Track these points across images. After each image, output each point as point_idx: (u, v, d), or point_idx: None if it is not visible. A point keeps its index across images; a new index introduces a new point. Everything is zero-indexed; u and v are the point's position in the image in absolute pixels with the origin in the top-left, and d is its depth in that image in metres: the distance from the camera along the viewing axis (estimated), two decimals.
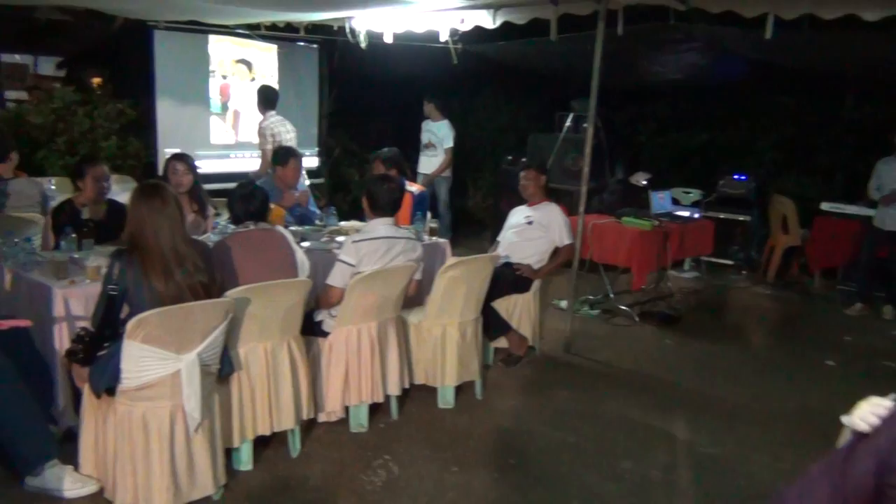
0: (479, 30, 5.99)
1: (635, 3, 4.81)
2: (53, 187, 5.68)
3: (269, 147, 6.24)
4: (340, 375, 3.76)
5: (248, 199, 3.53)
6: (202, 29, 7.36)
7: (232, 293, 3.19)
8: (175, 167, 4.70)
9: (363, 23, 6.42)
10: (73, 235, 3.88)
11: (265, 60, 8.06)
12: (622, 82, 8.61)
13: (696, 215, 7.22)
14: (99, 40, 10.68)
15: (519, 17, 5.58)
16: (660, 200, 6.72)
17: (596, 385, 4.76)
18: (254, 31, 7.62)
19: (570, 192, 7.68)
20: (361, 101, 9.72)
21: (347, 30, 6.45)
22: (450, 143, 7.87)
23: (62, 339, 3.31)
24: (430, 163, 8.01)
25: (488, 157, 10.63)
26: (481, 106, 10.67)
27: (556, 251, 5.10)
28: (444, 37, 6.02)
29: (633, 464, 3.69)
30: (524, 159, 8.54)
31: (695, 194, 7.96)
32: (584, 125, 7.87)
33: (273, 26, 7.39)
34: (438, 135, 7.88)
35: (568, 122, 7.96)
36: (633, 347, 5.58)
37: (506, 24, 5.74)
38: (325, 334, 3.80)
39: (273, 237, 3.58)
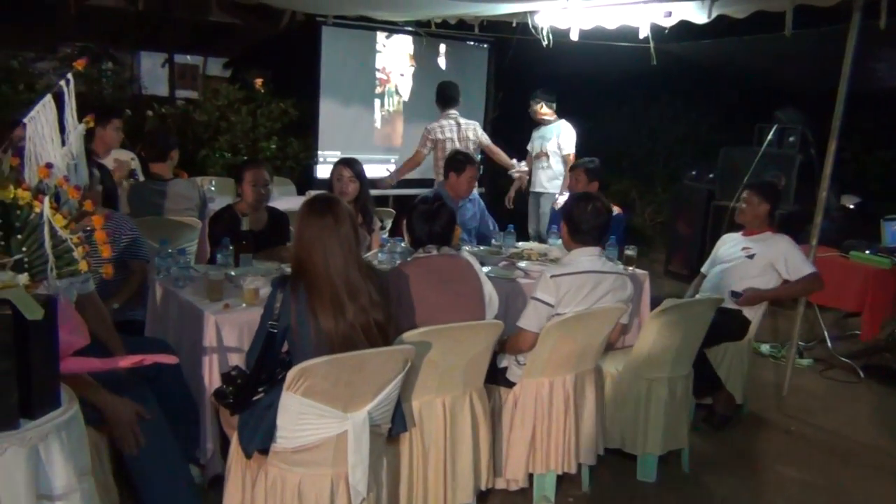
0: (678, 27, 5.17)
1: None
2: (213, 188, 5.40)
3: (425, 151, 5.76)
4: (526, 437, 3.07)
5: (431, 217, 2.91)
6: (371, 26, 6.96)
7: (410, 336, 2.58)
8: (341, 173, 4.21)
9: (548, 18, 5.73)
10: (231, 248, 3.43)
11: (433, 60, 7.56)
12: (830, 89, 7.45)
13: None
14: (264, 41, 10.73)
15: (739, 10, 4.69)
16: (893, 231, 5.58)
17: (830, 464, 3.82)
18: (423, 29, 7.14)
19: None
20: (525, 107, 9.09)
21: (531, 26, 5.78)
22: (570, 149, 6.21)
23: (212, 373, 2.83)
24: (543, 176, 6.40)
25: (661, 169, 9.70)
26: (656, 114, 9.73)
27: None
28: (643, 33, 5.21)
29: None
30: (711, 175, 7.59)
31: None
32: (791, 138, 6.89)
33: (443, 23, 6.87)
34: (551, 139, 6.30)
35: (770, 136, 6.90)
36: (864, 414, 4.55)
37: (718, 20, 4.87)
38: (509, 384, 3.13)
39: (458, 265, 2.95)
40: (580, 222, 3.11)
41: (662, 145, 9.68)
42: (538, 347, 3.01)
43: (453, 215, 3.00)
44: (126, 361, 2.36)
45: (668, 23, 5.03)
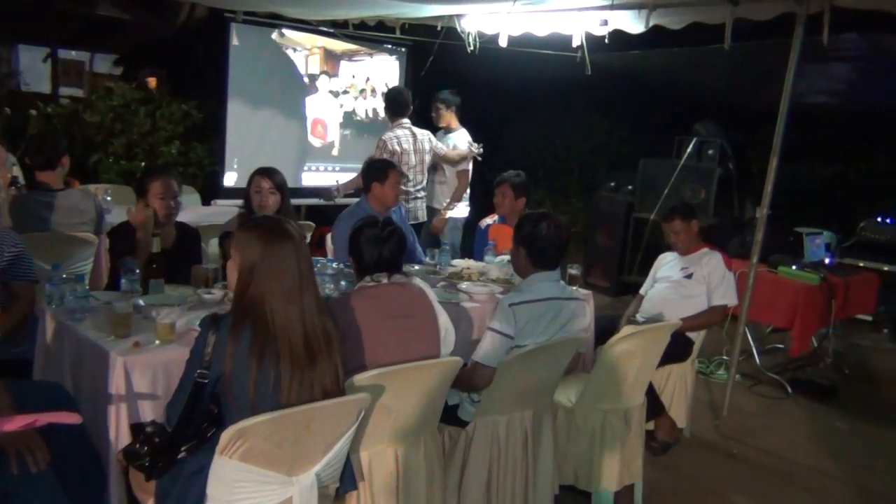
0: (600, 38, 5.04)
1: (850, 5, 3.79)
2: (109, 198, 4.84)
3: None
4: (481, 481, 2.78)
5: (380, 241, 2.57)
6: (283, 24, 6.51)
7: (361, 380, 2.24)
8: (259, 185, 3.78)
9: (476, 22, 5.49)
10: (137, 271, 2.97)
11: (347, 64, 7.18)
12: (746, 103, 7.58)
13: (828, 261, 6.12)
14: (159, 38, 10.06)
15: (676, 21, 4.60)
16: (815, 246, 5.64)
17: (778, 489, 3.73)
18: (339, 30, 6.75)
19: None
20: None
21: (460, 30, 5.52)
22: (463, 164, 5.70)
23: (119, 425, 2.38)
24: (440, 192, 5.81)
25: (576, 180, 9.65)
26: (569, 123, 9.69)
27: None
28: (577, 41, 5.05)
29: None
30: (630, 187, 7.55)
31: (827, 237, 6.85)
32: (710, 151, 6.91)
33: (361, 25, 6.52)
34: (451, 148, 5.71)
35: (690, 148, 6.90)
36: (798, 431, 4.52)
37: (652, 30, 4.75)
38: (461, 423, 2.83)
39: (411, 295, 2.61)
40: (546, 246, 2.85)
41: (576, 155, 9.64)
42: (495, 383, 2.72)
43: (404, 238, 2.67)
44: (14, 424, 1.92)
45: (602, 31, 4.88)
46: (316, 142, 6.94)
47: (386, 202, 4.22)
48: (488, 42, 5.65)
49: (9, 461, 2.11)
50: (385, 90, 6.51)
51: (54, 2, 9.46)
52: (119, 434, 2.36)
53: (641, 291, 4.39)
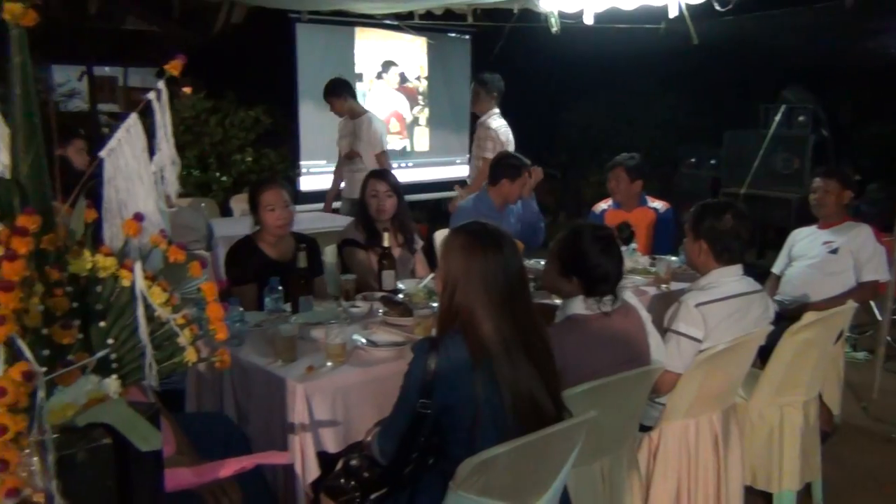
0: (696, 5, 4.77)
1: None
2: (206, 213, 4.70)
3: (490, 156, 4.68)
4: (670, 491, 2.57)
5: (614, 244, 2.33)
6: (348, 20, 6.33)
7: (571, 396, 2.03)
8: (375, 188, 3.60)
9: (556, 1, 5.24)
10: (280, 288, 2.79)
11: (412, 55, 6.98)
12: (841, 63, 7.20)
13: None
14: (192, 50, 9.91)
15: None
16: None
17: None
18: (404, 21, 6.54)
19: (787, 200, 6.40)
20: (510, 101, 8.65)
21: (540, 10, 5.28)
22: (382, 146, 5.29)
23: (305, 458, 2.20)
24: (356, 180, 4.93)
25: (643, 158, 9.34)
26: (630, 100, 9.38)
27: None
28: (673, 11, 4.78)
29: None
30: (713, 161, 7.27)
31: None
32: (801, 118, 6.61)
33: (428, 14, 6.30)
34: (363, 136, 5.29)
35: (778, 116, 6.59)
36: None
37: None
38: (644, 428, 2.62)
39: (632, 326, 2.35)
40: (730, 239, 2.62)
41: (639, 131, 9.34)
42: (684, 386, 2.51)
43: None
44: (228, 469, 1.74)
45: None
46: (393, 138, 6.75)
47: (509, 200, 4.16)
48: (569, 21, 5.41)
49: None
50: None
51: (84, 19, 9.39)
52: (306, 466, 2.19)
53: (775, 270, 4.13)
